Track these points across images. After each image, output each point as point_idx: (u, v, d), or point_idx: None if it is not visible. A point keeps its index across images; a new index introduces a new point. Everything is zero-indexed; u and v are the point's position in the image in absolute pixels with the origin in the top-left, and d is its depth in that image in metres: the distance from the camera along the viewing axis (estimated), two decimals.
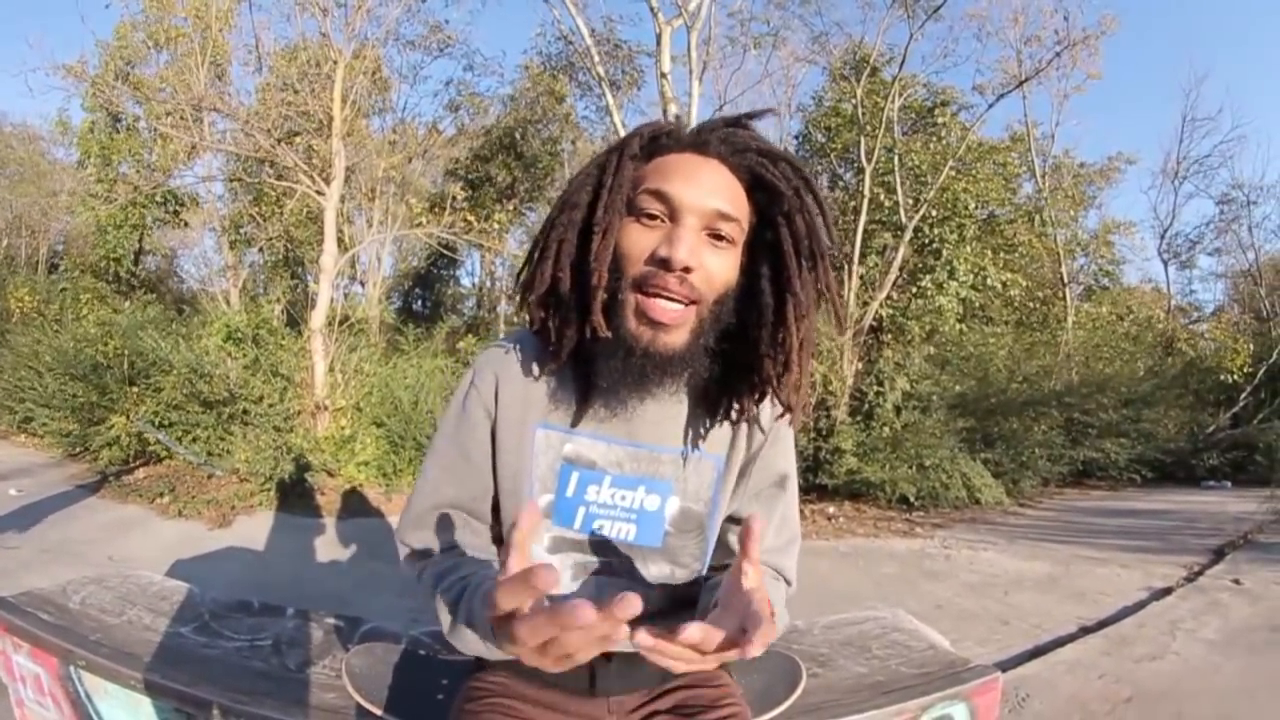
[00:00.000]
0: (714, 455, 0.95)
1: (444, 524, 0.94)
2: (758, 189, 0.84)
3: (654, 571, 0.94)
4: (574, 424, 0.91)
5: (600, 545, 0.92)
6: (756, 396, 0.90)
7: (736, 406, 0.92)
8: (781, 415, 0.93)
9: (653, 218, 0.81)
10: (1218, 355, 11.40)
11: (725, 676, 1.06)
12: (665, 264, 0.78)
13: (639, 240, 0.81)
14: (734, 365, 0.88)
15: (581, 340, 0.85)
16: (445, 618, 0.84)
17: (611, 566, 0.93)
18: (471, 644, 0.82)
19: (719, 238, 0.82)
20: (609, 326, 0.81)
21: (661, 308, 0.79)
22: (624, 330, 0.81)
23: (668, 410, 0.92)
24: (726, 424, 0.94)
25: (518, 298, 0.92)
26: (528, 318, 0.92)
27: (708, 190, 0.81)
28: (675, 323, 0.80)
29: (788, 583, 1.02)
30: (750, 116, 0.89)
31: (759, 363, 0.86)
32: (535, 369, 0.92)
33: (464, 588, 0.82)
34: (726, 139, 0.84)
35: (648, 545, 0.93)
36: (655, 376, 0.82)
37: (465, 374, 0.96)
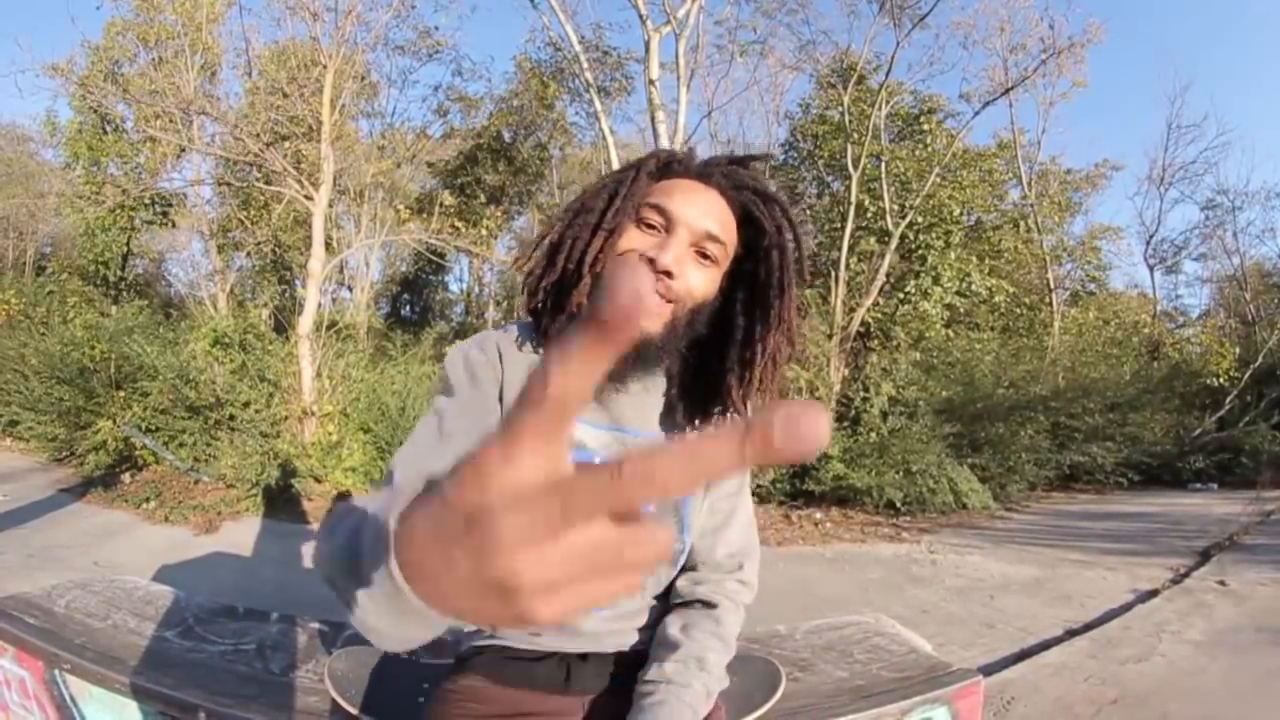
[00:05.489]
0: None
1: None
2: (747, 223, 0.93)
3: None
4: None
5: None
6: (721, 406, 0.96)
7: (703, 414, 0.97)
8: None
9: (651, 227, 0.90)
10: (1203, 359, 11.52)
11: None
12: (652, 264, 0.85)
13: (635, 242, 0.90)
14: (705, 374, 0.95)
15: (569, 323, 0.84)
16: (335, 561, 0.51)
17: None
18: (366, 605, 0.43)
19: (705, 256, 0.90)
20: None
21: None
22: None
23: (644, 399, 0.97)
24: (700, 419, 0.98)
25: (523, 280, 0.97)
26: (528, 298, 0.97)
27: (702, 212, 0.89)
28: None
29: (745, 584, 1.04)
30: (752, 159, 0.98)
31: (725, 375, 0.94)
32: (530, 350, 0.97)
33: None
34: (729, 174, 0.93)
35: None
36: (630, 360, 0.86)
37: (463, 346, 0.98)
